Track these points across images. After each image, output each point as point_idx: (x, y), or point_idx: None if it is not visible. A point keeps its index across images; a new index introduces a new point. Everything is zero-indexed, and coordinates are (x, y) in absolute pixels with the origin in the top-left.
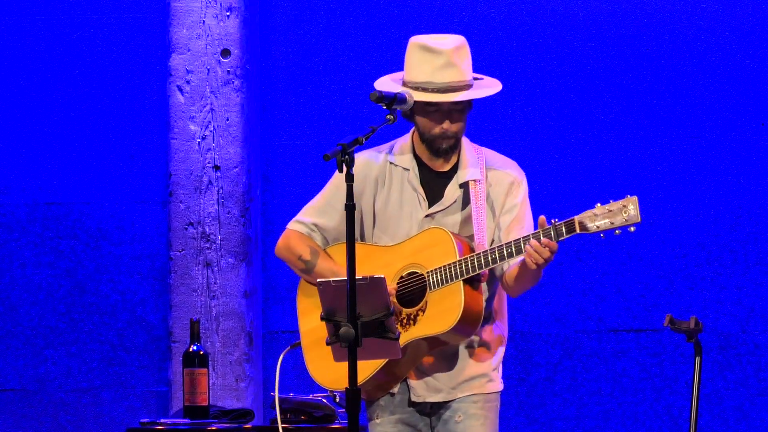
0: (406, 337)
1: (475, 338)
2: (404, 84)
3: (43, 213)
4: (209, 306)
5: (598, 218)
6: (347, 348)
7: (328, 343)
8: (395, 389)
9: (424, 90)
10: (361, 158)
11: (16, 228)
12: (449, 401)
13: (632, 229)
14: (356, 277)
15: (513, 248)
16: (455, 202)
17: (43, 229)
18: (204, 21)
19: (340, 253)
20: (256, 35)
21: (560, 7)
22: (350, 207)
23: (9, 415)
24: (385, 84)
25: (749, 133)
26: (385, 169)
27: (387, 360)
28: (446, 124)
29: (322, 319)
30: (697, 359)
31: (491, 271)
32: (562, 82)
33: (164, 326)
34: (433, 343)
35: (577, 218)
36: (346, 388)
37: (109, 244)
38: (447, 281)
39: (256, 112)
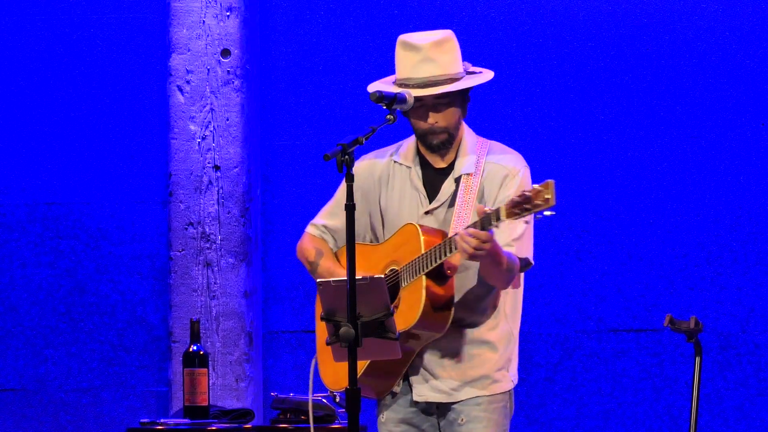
0: None
1: (477, 336)
2: (394, 82)
3: (43, 213)
4: (209, 306)
5: (520, 205)
6: (347, 348)
7: (328, 343)
8: (396, 388)
9: (407, 86)
10: (366, 160)
11: (16, 228)
12: (453, 403)
13: (548, 213)
14: (356, 277)
15: (454, 242)
16: (450, 197)
17: (43, 229)
18: (204, 21)
19: (343, 254)
20: (256, 35)
21: (560, 7)
22: (350, 207)
23: (9, 415)
24: (376, 86)
25: (749, 133)
26: (389, 168)
27: (369, 362)
28: (431, 119)
29: (322, 319)
30: (697, 359)
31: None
32: (562, 82)
33: (164, 326)
34: (408, 337)
35: (503, 206)
36: (346, 388)
37: (109, 244)
38: (413, 276)
39: (256, 112)
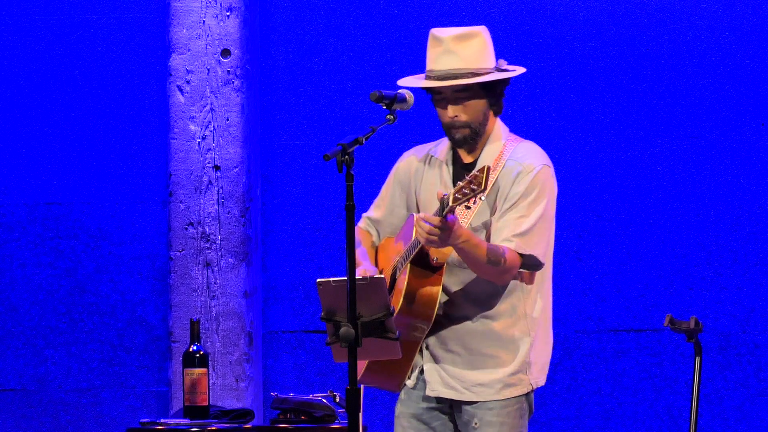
0: None
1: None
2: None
3: (43, 213)
4: (209, 306)
5: (461, 189)
6: (347, 348)
7: (327, 344)
8: (409, 382)
9: (428, 78)
10: (406, 156)
11: (16, 228)
12: (466, 402)
13: (481, 198)
14: (356, 277)
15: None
16: None
17: (43, 229)
18: (204, 21)
19: (382, 246)
20: (256, 35)
21: (560, 7)
22: (350, 207)
23: (9, 415)
24: (408, 80)
25: (749, 133)
26: (425, 162)
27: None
28: (451, 112)
29: (322, 319)
30: (697, 359)
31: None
32: (562, 82)
33: (164, 326)
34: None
35: (451, 192)
36: (346, 388)
37: (109, 244)
38: (403, 264)
39: (256, 112)
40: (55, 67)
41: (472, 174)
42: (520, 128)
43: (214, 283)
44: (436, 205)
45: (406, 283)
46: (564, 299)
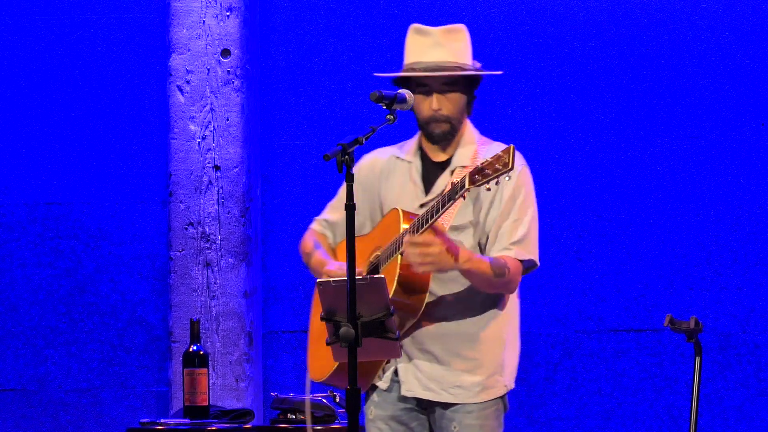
0: None
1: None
2: (402, 69)
3: (43, 213)
4: (209, 306)
5: (482, 171)
6: (347, 348)
7: (328, 343)
8: (384, 384)
9: (413, 69)
10: (368, 157)
11: (16, 228)
12: (444, 405)
13: (507, 178)
14: (356, 277)
15: (424, 220)
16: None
17: (43, 229)
18: (204, 21)
19: (341, 249)
20: (256, 35)
21: (560, 7)
22: (350, 207)
23: (9, 415)
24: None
25: (749, 133)
26: (390, 163)
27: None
28: (436, 104)
29: (322, 319)
30: (697, 359)
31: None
32: (562, 82)
33: (164, 326)
34: None
35: (467, 174)
36: (346, 388)
37: (109, 244)
38: (390, 257)
39: (256, 112)
40: (55, 67)
41: (495, 155)
42: (520, 128)
43: (214, 283)
44: (400, 204)
45: (398, 272)
46: (564, 299)
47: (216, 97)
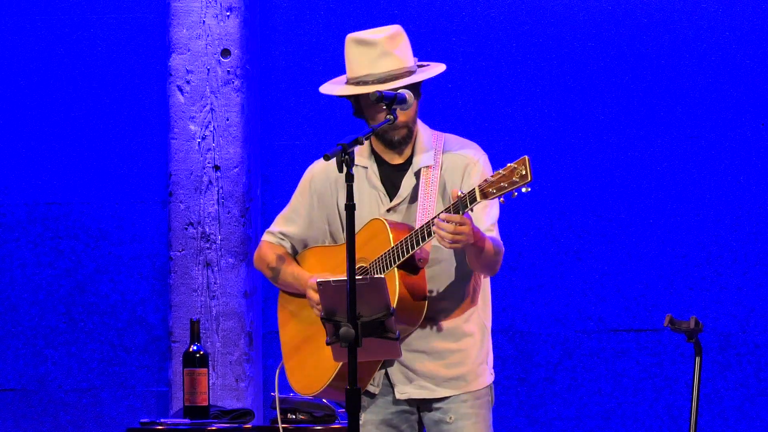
0: None
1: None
2: (347, 82)
3: (43, 213)
4: (209, 306)
5: (495, 184)
6: (347, 348)
7: (328, 343)
8: (376, 389)
9: (365, 83)
10: (321, 163)
11: (16, 228)
12: (437, 400)
13: (526, 189)
14: (356, 277)
15: (426, 230)
16: (411, 192)
17: (43, 229)
18: (204, 21)
19: (308, 257)
20: (256, 35)
21: (560, 7)
22: (350, 207)
23: (9, 415)
24: (328, 88)
25: (749, 133)
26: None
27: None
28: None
29: (322, 319)
30: (697, 359)
31: (460, 256)
32: (562, 82)
33: (164, 326)
34: None
35: (477, 187)
36: (347, 388)
37: (109, 244)
38: (385, 269)
39: (256, 112)
40: (55, 67)
41: (508, 168)
42: (520, 128)
43: (214, 283)
44: (362, 211)
45: (398, 286)
46: (564, 299)
47: (216, 97)
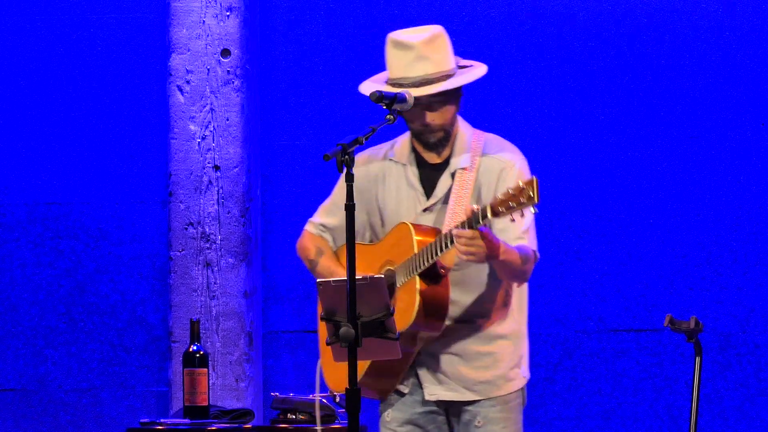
0: None
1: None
2: (386, 81)
3: (43, 213)
4: (209, 306)
5: (504, 203)
6: (347, 348)
7: (328, 343)
8: (405, 389)
9: (401, 85)
10: (363, 157)
11: (16, 228)
12: (466, 402)
13: (533, 210)
14: (356, 277)
15: (448, 239)
16: (446, 193)
17: (43, 229)
18: (204, 21)
19: (343, 253)
20: (256, 35)
21: (560, 7)
22: (350, 207)
23: (9, 415)
24: (367, 87)
25: (749, 133)
26: (385, 166)
27: (370, 363)
28: (428, 118)
29: (322, 319)
30: (697, 359)
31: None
32: (562, 82)
33: (164, 326)
34: (407, 338)
35: (488, 205)
36: (346, 388)
37: (109, 244)
38: (407, 276)
39: (256, 112)
40: (55, 67)
41: (516, 187)
42: (520, 128)
43: (214, 283)
44: (401, 209)
45: (418, 296)
46: (564, 299)
47: (216, 97)
